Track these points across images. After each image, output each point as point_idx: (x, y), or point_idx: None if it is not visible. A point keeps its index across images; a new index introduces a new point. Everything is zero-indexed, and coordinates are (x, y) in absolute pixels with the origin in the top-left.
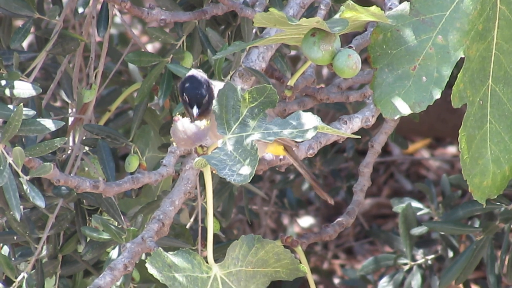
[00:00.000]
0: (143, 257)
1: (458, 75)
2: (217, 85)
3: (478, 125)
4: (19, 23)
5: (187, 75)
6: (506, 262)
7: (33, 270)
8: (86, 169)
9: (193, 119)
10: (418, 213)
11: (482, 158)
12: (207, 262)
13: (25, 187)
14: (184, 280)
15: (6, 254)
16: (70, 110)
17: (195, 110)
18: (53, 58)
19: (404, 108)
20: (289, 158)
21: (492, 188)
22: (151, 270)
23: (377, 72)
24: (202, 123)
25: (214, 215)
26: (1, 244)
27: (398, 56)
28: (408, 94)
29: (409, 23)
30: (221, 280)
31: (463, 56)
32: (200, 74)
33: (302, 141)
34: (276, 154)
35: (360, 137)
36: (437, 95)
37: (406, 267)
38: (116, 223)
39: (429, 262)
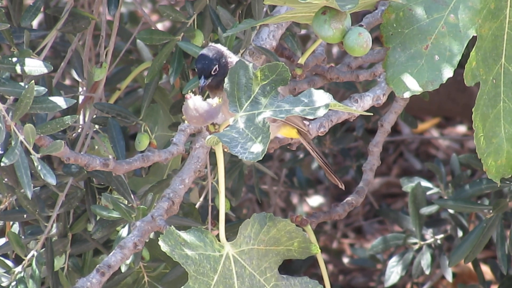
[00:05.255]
0: (153, 236)
1: (471, 53)
2: (234, 60)
3: (491, 103)
4: (29, 1)
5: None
6: None
7: (43, 249)
8: (96, 147)
9: (199, 90)
10: (428, 193)
11: (496, 137)
12: (218, 241)
13: (36, 164)
14: (197, 258)
15: (16, 232)
16: (80, 89)
17: (201, 81)
18: (62, 37)
19: (416, 87)
20: (302, 141)
21: (507, 167)
22: (164, 247)
23: (390, 52)
24: (214, 101)
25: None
26: (11, 222)
27: (410, 35)
28: (421, 73)
29: (421, 2)
30: (234, 258)
31: (475, 34)
32: (214, 47)
33: (313, 119)
34: (289, 137)
35: (372, 114)
36: (450, 73)
37: (416, 247)
38: (126, 202)
39: (439, 241)
